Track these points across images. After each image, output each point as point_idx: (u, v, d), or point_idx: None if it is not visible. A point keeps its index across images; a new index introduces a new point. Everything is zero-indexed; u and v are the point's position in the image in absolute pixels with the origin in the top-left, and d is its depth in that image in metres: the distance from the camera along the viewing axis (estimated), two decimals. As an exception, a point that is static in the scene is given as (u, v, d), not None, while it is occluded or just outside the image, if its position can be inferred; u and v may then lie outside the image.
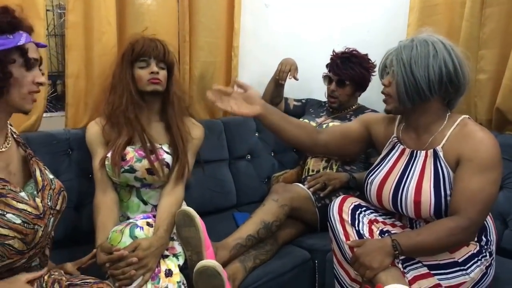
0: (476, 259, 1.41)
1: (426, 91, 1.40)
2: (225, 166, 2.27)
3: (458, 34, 2.02)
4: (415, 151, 1.49)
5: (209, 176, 2.18)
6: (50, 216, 1.22)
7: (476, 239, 1.44)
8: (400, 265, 1.39)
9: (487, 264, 1.43)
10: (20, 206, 1.14)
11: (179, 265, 1.48)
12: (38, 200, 1.20)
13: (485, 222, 1.45)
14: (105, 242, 1.45)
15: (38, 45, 1.24)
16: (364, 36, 2.54)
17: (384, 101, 1.52)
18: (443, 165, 1.42)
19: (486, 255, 1.43)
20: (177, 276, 1.42)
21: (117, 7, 1.94)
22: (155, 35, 1.78)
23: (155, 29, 2.02)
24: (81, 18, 1.87)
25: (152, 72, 1.67)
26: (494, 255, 1.47)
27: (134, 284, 1.36)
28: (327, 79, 2.23)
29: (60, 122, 1.96)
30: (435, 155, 1.44)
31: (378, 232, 1.48)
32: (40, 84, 1.22)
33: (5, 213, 1.12)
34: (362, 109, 2.23)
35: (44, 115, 1.85)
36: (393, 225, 1.52)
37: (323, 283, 1.83)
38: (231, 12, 2.26)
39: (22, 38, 1.17)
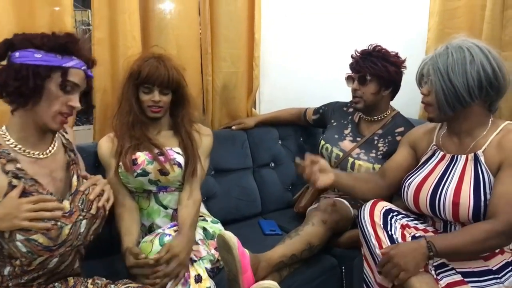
0: (511, 267, 1.40)
1: (467, 97, 1.41)
2: (249, 174, 2.29)
3: (479, 37, 2.02)
4: (456, 156, 1.50)
5: (234, 185, 2.21)
6: (81, 217, 1.27)
7: (511, 247, 1.43)
8: (433, 272, 1.38)
9: None
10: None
11: (206, 269, 1.51)
12: (66, 202, 1.26)
13: None
14: (134, 246, 1.49)
15: (87, 74, 1.29)
16: (386, 42, 2.54)
17: (425, 109, 1.53)
18: (483, 169, 1.42)
19: None
20: (207, 281, 1.45)
21: (141, 22, 1.99)
22: (163, 54, 1.77)
23: (177, 42, 2.08)
24: (106, 34, 1.94)
25: (153, 101, 1.70)
26: None
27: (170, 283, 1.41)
28: (350, 79, 2.04)
29: (86, 135, 2.03)
30: (476, 159, 1.45)
31: (410, 237, 1.47)
32: (73, 108, 1.26)
33: None
34: (393, 126, 1.99)
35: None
36: (425, 231, 1.51)
37: (350, 289, 1.83)
38: (252, 23, 2.29)
39: (70, 62, 1.23)
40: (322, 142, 2.13)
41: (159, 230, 1.56)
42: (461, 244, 1.36)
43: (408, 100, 2.14)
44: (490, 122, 1.48)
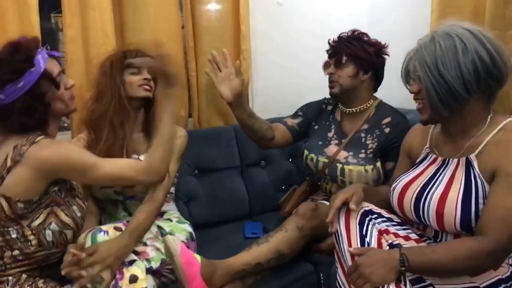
0: (503, 285, 1.20)
1: (463, 93, 1.20)
2: (236, 173, 2.18)
3: (483, 16, 1.77)
4: (447, 159, 1.31)
5: (218, 185, 2.11)
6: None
7: (510, 261, 1.23)
8: (409, 286, 1.19)
9: None
10: (80, 202, 1.35)
11: (150, 268, 1.42)
12: (84, 202, 1.40)
13: None
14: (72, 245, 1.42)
15: (53, 56, 1.34)
16: (389, 27, 2.35)
17: (418, 110, 1.33)
18: (476, 175, 1.22)
19: None
20: (143, 281, 1.35)
21: (115, 18, 1.94)
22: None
23: (156, 37, 2.00)
24: (79, 32, 1.89)
25: (145, 79, 1.67)
26: None
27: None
28: (327, 65, 1.86)
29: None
30: (468, 164, 1.25)
31: (387, 245, 1.29)
32: (71, 86, 1.37)
33: (72, 204, 1.32)
34: (379, 118, 1.81)
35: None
36: (407, 238, 1.32)
37: (329, 298, 1.66)
38: (237, 14, 2.17)
39: (41, 63, 1.25)
40: (306, 152, 1.93)
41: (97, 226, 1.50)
42: (439, 260, 1.17)
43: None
44: (488, 118, 1.26)
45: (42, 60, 1.26)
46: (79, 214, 1.32)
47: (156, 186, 1.59)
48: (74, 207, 1.32)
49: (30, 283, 1.26)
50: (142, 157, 1.64)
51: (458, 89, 1.20)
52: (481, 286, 1.20)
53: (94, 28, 1.88)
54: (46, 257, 1.30)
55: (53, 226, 1.26)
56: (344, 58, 1.79)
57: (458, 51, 1.19)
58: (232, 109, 1.77)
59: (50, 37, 2.40)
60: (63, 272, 1.26)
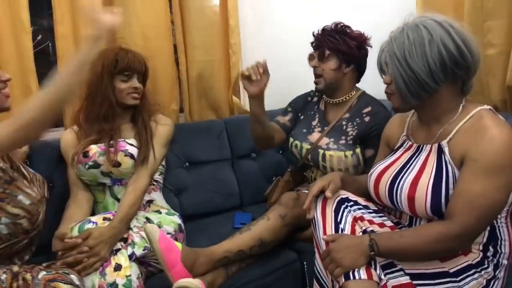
0: (473, 270, 1.23)
1: (431, 82, 1.22)
2: (226, 165, 2.22)
3: (462, 7, 1.80)
4: (421, 145, 1.34)
5: (209, 177, 2.15)
6: (44, 201, 1.42)
7: (481, 248, 1.26)
8: (379, 271, 1.24)
9: (489, 277, 1.24)
10: (28, 190, 1.34)
11: (133, 254, 1.46)
12: (34, 188, 1.38)
13: (498, 232, 1.26)
14: (60, 231, 1.50)
15: None
16: (376, 18, 2.37)
17: (389, 99, 1.36)
18: (447, 161, 1.25)
19: (487, 267, 1.24)
20: (127, 269, 1.40)
21: (105, 14, 1.98)
22: (127, 45, 1.82)
23: (144, 33, 2.05)
24: (69, 29, 1.94)
25: (134, 87, 1.73)
26: (503, 268, 1.27)
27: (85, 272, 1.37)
28: (311, 58, 1.90)
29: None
30: (440, 151, 1.28)
31: (360, 232, 1.32)
32: (6, 80, 1.36)
33: (17, 195, 1.31)
34: (360, 107, 1.85)
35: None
36: (381, 225, 1.35)
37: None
38: (225, 8, 2.21)
39: None
40: (291, 139, 1.98)
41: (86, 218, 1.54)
42: (409, 245, 1.21)
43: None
44: (461, 107, 1.28)
45: None
46: (27, 202, 1.32)
47: (140, 169, 1.64)
48: (21, 197, 1.31)
49: (5, 269, 1.27)
50: (129, 141, 1.70)
51: (426, 79, 1.22)
52: (450, 271, 1.23)
53: (84, 26, 1.90)
54: (10, 247, 1.33)
55: (4, 220, 1.27)
56: (327, 52, 1.83)
57: (424, 42, 1.21)
58: (251, 103, 1.76)
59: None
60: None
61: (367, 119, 1.81)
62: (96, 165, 1.66)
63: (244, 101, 2.43)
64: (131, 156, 1.67)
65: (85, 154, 1.67)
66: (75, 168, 1.69)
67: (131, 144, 1.70)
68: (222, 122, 2.25)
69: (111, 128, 1.71)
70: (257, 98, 1.74)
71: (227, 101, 2.36)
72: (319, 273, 1.42)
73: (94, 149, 1.68)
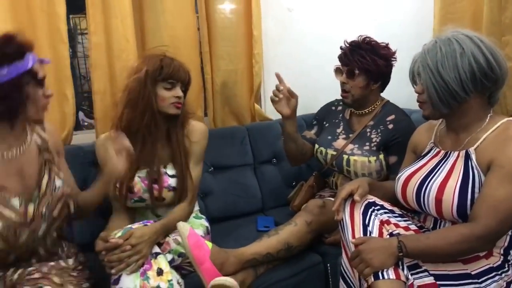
0: (494, 273, 1.30)
1: (461, 92, 1.32)
2: (249, 170, 2.30)
3: (481, 22, 1.88)
4: (449, 152, 1.43)
5: (232, 182, 2.23)
6: (43, 221, 1.36)
7: (502, 252, 1.33)
8: (406, 271, 1.31)
9: (509, 280, 1.31)
10: (6, 212, 1.30)
11: (172, 261, 1.53)
12: (31, 207, 1.34)
13: None
14: (103, 232, 1.54)
15: (43, 62, 1.36)
16: (395, 31, 2.45)
17: (420, 107, 1.46)
18: (474, 167, 1.34)
19: (508, 270, 1.32)
20: (168, 274, 1.45)
21: (136, 25, 2.07)
22: (171, 54, 1.78)
23: (173, 43, 2.13)
24: (102, 39, 2.02)
25: (177, 97, 1.69)
26: None
27: (128, 269, 1.43)
28: (338, 71, 1.97)
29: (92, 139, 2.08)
30: (467, 157, 1.36)
31: (388, 235, 1.40)
32: (49, 96, 1.36)
33: None
34: (384, 115, 1.93)
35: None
36: (407, 229, 1.43)
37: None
38: (249, 20, 2.30)
39: (30, 61, 1.28)
40: (316, 146, 2.07)
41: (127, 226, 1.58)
42: (435, 246, 1.29)
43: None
44: (488, 117, 1.38)
45: (32, 59, 1.29)
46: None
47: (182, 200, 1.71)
48: None
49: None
50: (169, 171, 1.72)
51: (456, 89, 1.32)
52: (472, 273, 1.30)
53: (116, 35, 2.00)
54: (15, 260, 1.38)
55: None
56: (357, 72, 1.90)
57: (456, 55, 1.31)
58: (285, 123, 1.91)
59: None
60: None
61: (390, 126, 1.89)
62: (141, 200, 1.71)
63: (265, 108, 2.52)
64: (173, 189, 1.71)
65: (130, 190, 1.68)
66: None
67: (172, 176, 1.71)
68: (244, 129, 2.34)
69: (155, 145, 1.70)
70: (291, 118, 1.88)
71: (249, 108, 2.44)
72: (345, 272, 1.49)
73: (138, 184, 1.69)
